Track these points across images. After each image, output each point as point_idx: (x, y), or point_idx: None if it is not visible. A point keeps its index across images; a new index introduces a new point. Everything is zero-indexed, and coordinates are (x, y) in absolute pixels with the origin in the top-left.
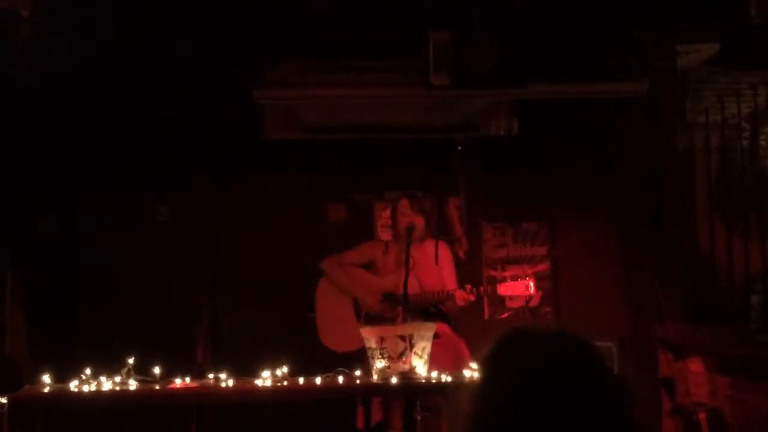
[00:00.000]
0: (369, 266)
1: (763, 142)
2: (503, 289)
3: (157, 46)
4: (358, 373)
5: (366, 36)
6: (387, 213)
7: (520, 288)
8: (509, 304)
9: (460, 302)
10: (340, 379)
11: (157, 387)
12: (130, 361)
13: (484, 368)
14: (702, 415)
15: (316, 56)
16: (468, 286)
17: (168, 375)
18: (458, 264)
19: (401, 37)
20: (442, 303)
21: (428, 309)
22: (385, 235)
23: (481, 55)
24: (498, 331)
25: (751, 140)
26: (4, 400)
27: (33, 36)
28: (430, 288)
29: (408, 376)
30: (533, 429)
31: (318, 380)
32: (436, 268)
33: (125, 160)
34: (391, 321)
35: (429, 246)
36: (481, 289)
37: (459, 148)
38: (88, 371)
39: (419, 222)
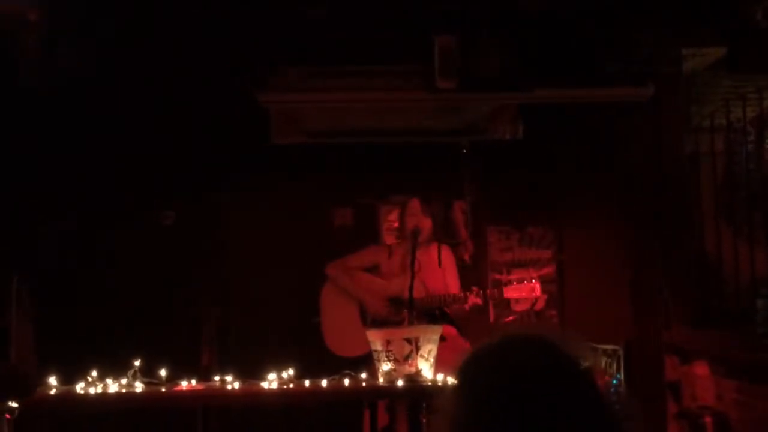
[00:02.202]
0: (374, 270)
1: None
2: (509, 292)
3: (162, 51)
4: (363, 375)
5: (370, 40)
6: (392, 216)
7: (526, 290)
8: (515, 307)
9: (467, 304)
10: (346, 381)
11: (163, 389)
12: (137, 363)
13: (459, 378)
14: (708, 419)
15: (321, 61)
16: (475, 289)
17: (174, 377)
18: (464, 268)
19: (406, 41)
20: (448, 306)
21: (433, 312)
22: (389, 239)
23: (487, 59)
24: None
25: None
26: (15, 405)
27: (39, 41)
28: (434, 291)
29: (414, 378)
30: None
31: (324, 383)
32: (439, 271)
33: (131, 164)
34: (397, 325)
35: (433, 249)
36: (488, 292)
37: (464, 151)
38: (94, 373)
39: (427, 224)
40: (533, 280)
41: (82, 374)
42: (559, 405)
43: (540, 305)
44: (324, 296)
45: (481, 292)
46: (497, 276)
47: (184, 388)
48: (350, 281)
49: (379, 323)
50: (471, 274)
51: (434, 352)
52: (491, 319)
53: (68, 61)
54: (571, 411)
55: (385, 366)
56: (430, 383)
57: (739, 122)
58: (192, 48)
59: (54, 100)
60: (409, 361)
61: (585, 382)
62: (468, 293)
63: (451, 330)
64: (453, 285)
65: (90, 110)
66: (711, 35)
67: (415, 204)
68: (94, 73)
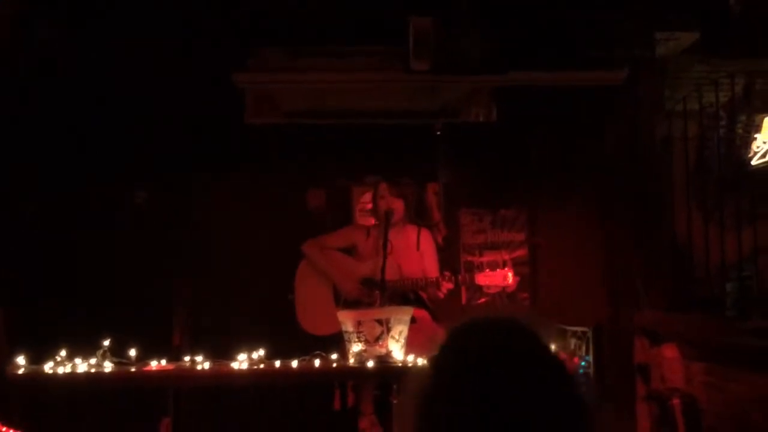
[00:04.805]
0: (351, 251)
1: (740, 131)
2: (481, 279)
3: (137, 30)
4: (334, 356)
5: (347, 21)
6: (365, 198)
7: (498, 278)
8: (486, 290)
9: (441, 292)
10: (317, 362)
11: (133, 369)
12: (106, 343)
13: (432, 360)
14: (676, 401)
15: (298, 41)
16: (447, 274)
17: (144, 357)
18: (437, 250)
19: (383, 22)
20: (422, 289)
21: (407, 295)
22: (365, 220)
23: (462, 41)
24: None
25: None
26: None
27: (9, 19)
28: (410, 274)
29: (384, 359)
30: (477, 417)
31: (294, 363)
32: (417, 254)
33: (103, 144)
34: (369, 306)
35: (411, 232)
36: (459, 277)
37: (438, 133)
38: (63, 353)
39: (398, 206)
40: (506, 267)
41: (50, 354)
42: (529, 388)
43: (512, 287)
44: (299, 273)
45: (453, 277)
46: (470, 258)
47: (154, 368)
48: (323, 260)
49: (350, 304)
50: (443, 256)
51: (405, 334)
52: (463, 301)
53: (39, 39)
54: (540, 394)
55: (356, 347)
56: (400, 364)
57: (711, 107)
58: (168, 29)
59: (23, 80)
60: (380, 342)
61: (554, 365)
62: (440, 278)
63: (423, 313)
64: (431, 269)
65: (60, 90)
66: (684, 20)
67: (383, 187)
68: (63, 53)
